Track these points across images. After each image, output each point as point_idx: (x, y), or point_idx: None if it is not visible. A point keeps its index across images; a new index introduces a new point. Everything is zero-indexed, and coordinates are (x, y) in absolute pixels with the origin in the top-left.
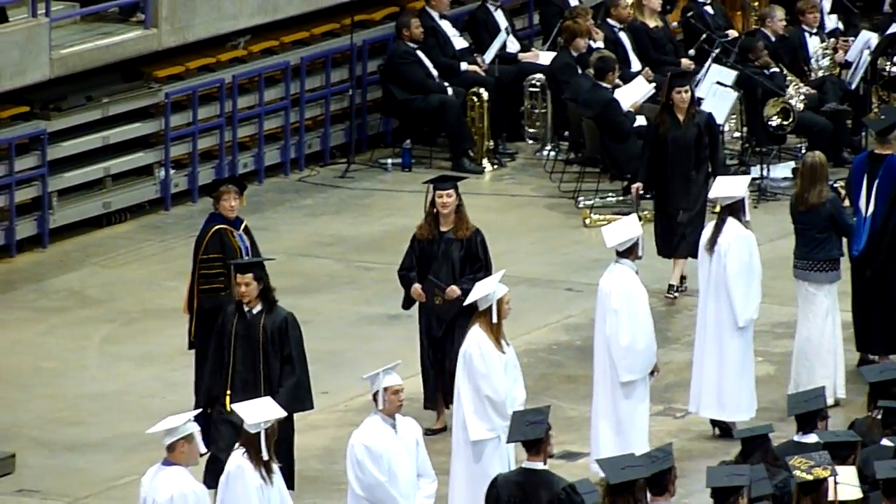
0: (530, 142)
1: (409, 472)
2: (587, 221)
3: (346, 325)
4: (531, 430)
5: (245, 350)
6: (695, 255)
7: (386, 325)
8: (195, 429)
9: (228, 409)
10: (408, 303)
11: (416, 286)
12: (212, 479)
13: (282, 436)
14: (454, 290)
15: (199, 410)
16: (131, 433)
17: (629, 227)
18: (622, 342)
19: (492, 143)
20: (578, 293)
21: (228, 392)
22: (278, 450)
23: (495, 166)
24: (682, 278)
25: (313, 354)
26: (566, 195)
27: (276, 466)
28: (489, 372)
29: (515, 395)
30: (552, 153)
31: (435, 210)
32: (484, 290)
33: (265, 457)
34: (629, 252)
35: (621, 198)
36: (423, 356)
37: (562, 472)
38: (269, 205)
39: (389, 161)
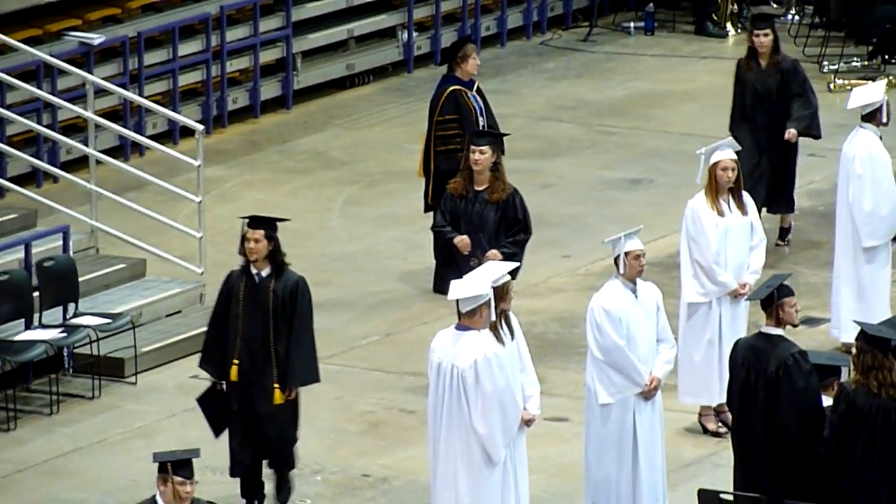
0: (774, 6)
1: (647, 337)
2: (831, 86)
3: (587, 189)
4: (763, 291)
5: (253, 315)
6: (771, 211)
7: (627, 190)
8: (491, 294)
9: (234, 377)
10: (444, 261)
11: (463, 237)
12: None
13: (286, 415)
14: (495, 254)
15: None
16: (374, 293)
17: (874, 91)
18: (865, 207)
19: (735, 6)
20: (821, 159)
21: (235, 361)
22: (282, 427)
23: (738, 30)
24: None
25: (555, 218)
26: (810, 60)
27: (513, 319)
28: (699, 236)
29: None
30: (796, 17)
31: (470, 166)
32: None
33: (493, 319)
34: (872, 117)
35: (866, 62)
36: None
37: (803, 338)
38: (511, 68)
39: (632, 24)
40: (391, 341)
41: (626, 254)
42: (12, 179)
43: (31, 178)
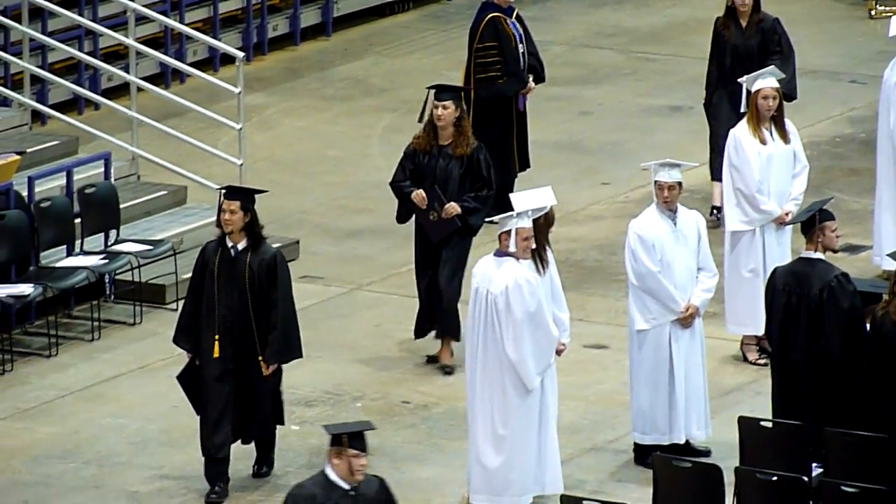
0: None
1: (685, 265)
2: (872, 13)
3: (626, 117)
4: (804, 214)
5: (229, 290)
6: None
7: (667, 117)
8: (517, 225)
9: (216, 354)
10: (403, 216)
11: (419, 191)
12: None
13: (269, 388)
14: (454, 207)
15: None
16: (413, 221)
17: None
18: None
19: None
20: (863, 85)
21: (216, 337)
22: (267, 404)
23: None
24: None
25: (595, 145)
26: None
27: (549, 254)
28: (741, 164)
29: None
30: None
31: (433, 121)
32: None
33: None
34: None
35: None
36: (417, 278)
37: (843, 265)
38: None
39: None
40: None
41: (655, 182)
42: (54, 106)
43: (72, 104)
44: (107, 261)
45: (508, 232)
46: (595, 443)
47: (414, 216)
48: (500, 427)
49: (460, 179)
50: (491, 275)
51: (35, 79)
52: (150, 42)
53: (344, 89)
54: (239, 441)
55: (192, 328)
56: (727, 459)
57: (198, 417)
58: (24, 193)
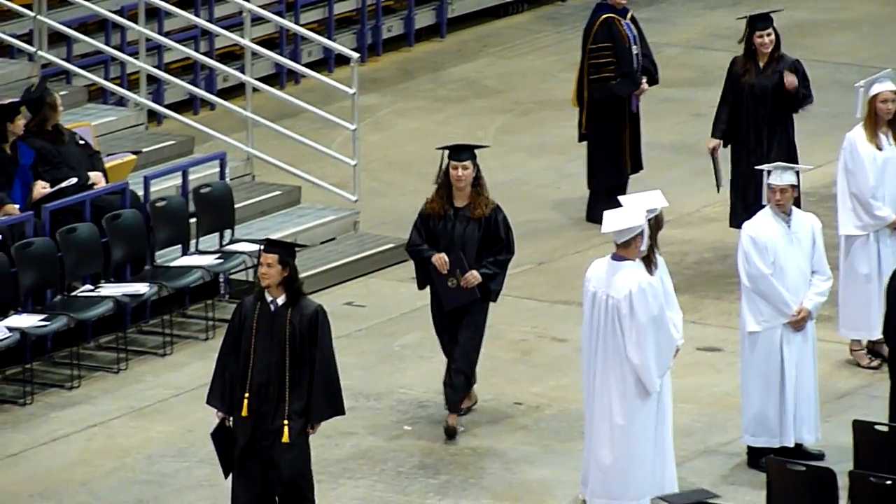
0: None
1: (798, 267)
2: None
3: None
4: None
5: (267, 348)
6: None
7: None
8: (645, 224)
9: (244, 413)
10: (422, 281)
11: (441, 254)
12: None
13: (300, 451)
14: (474, 276)
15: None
16: (526, 222)
17: None
18: None
19: None
20: None
21: (246, 395)
22: (296, 464)
23: None
24: None
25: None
26: None
27: (658, 258)
28: (856, 169)
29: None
30: None
31: (448, 183)
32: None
33: (644, 249)
34: None
35: None
36: (439, 337)
37: None
38: None
39: None
40: (543, 270)
41: (767, 186)
42: (170, 106)
43: (188, 105)
44: (221, 260)
45: (642, 233)
46: (708, 445)
47: (431, 282)
48: (619, 429)
49: (479, 242)
50: (610, 279)
51: (151, 79)
52: (266, 42)
53: (457, 90)
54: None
55: (225, 387)
56: (840, 463)
57: None
58: (140, 193)
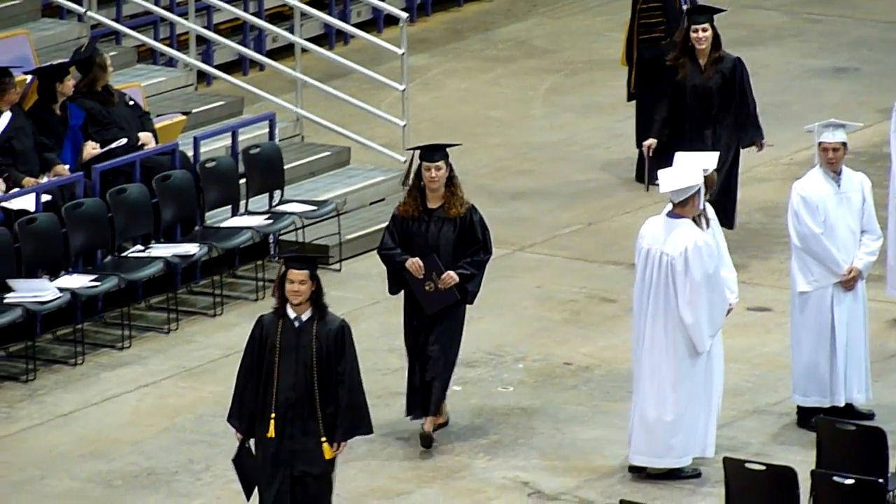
0: None
1: (848, 227)
2: None
3: (791, 78)
4: None
5: (292, 364)
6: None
7: (832, 79)
8: (702, 182)
9: (271, 434)
10: (395, 286)
11: (415, 259)
12: None
13: (328, 473)
14: (451, 277)
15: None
16: (576, 182)
17: None
18: None
19: None
20: None
21: (272, 415)
22: (322, 486)
23: None
24: None
25: (759, 106)
26: None
27: (709, 208)
28: None
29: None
30: None
31: (421, 184)
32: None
33: (702, 207)
34: None
35: None
36: (408, 352)
37: None
38: None
39: None
40: (593, 230)
41: (819, 144)
42: (219, 67)
43: (237, 65)
44: (271, 221)
45: (699, 192)
46: (758, 405)
47: (405, 287)
48: (668, 389)
49: (454, 244)
50: (665, 236)
51: (200, 39)
52: (315, 2)
53: (507, 50)
54: None
55: (246, 407)
56: (890, 422)
57: None
58: (190, 154)
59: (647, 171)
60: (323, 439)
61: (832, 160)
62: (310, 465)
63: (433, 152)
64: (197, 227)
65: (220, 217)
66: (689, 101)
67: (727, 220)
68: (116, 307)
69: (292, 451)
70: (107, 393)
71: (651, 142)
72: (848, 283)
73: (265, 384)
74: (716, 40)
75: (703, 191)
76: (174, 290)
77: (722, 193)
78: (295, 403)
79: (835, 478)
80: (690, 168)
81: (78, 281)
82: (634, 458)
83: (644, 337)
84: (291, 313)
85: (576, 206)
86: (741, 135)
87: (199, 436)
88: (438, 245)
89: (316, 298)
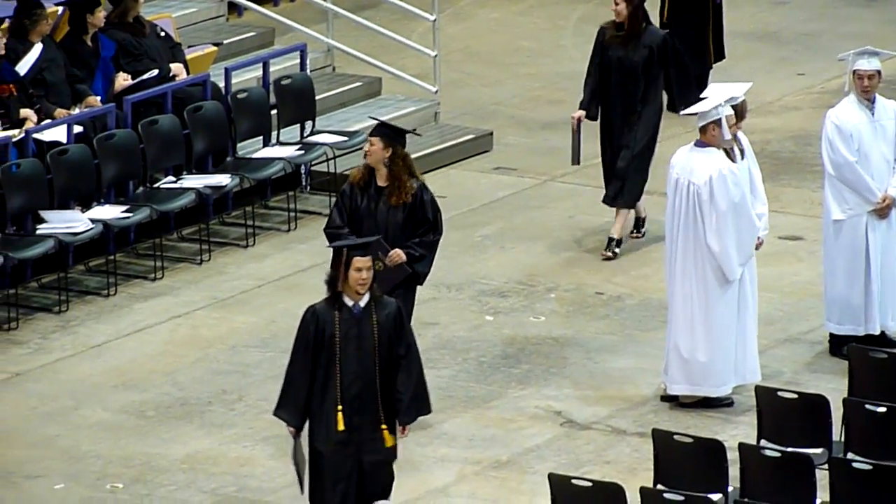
0: None
1: (882, 155)
2: None
3: (822, 7)
4: None
5: (356, 353)
6: (632, 207)
7: (863, 7)
8: (725, 113)
9: (341, 427)
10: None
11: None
12: None
13: (386, 459)
14: (399, 255)
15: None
16: None
17: None
18: None
19: None
20: None
21: (339, 408)
22: (386, 476)
23: None
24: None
25: (790, 35)
26: None
27: (744, 139)
28: None
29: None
30: None
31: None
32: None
33: (727, 137)
34: None
35: None
36: None
37: None
38: None
39: None
40: None
41: (854, 72)
42: None
43: None
44: (302, 152)
45: (718, 121)
46: (790, 334)
47: None
48: (700, 318)
49: (403, 224)
50: (693, 165)
51: None
52: None
53: None
54: None
55: (299, 399)
56: None
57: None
58: (221, 85)
59: (574, 144)
60: (383, 426)
61: (867, 88)
62: (376, 453)
63: (375, 127)
64: (228, 158)
65: (252, 148)
66: (614, 76)
67: (622, 196)
68: (148, 238)
69: (359, 443)
70: (139, 324)
71: (580, 113)
72: (882, 211)
73: (325, 377)
74: (638, 14)
75: (724, 122)
76: (206, 220)
77: (640, 173)
78: (360, 393)
79: (867, 406)
80: (714, 95)
81: (110, 212)
82: (673, 387)
83: (675, 266)
84: (348, 301)
85: None
86: (678, 104)
87: (231, 366)
88: (388, 225)
89: (371, 284)
